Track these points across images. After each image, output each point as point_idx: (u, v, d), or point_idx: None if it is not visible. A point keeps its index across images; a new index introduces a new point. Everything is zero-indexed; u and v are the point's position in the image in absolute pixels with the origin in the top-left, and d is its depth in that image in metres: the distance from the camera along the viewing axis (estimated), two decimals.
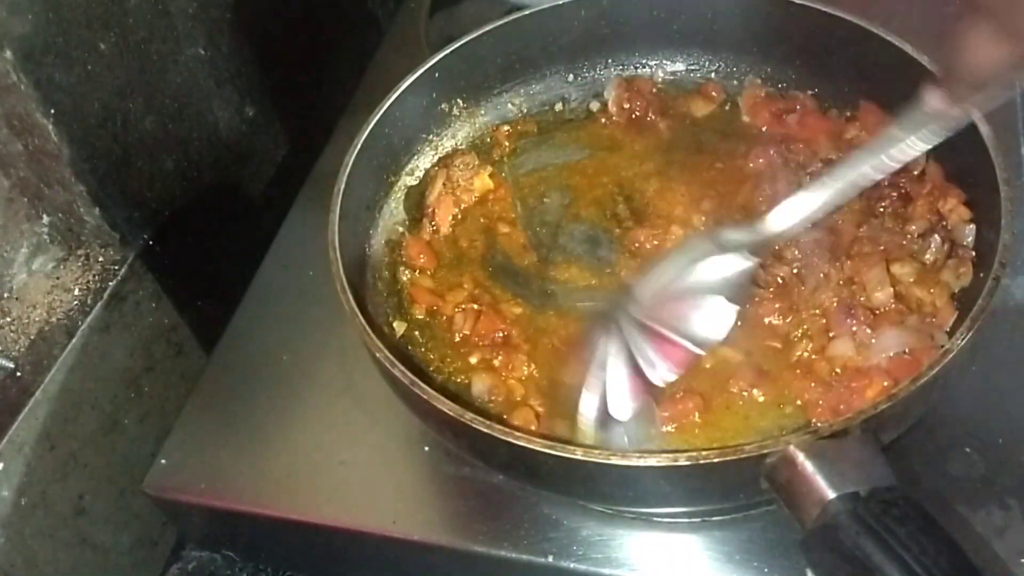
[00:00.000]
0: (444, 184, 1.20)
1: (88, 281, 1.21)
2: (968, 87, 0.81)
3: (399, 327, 1.10)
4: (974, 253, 1.02)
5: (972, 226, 1.03)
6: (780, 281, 1.05)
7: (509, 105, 1.31)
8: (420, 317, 1.11)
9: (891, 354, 0.96)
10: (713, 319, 0.96)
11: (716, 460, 0.79)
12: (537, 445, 0.83)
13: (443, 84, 1.23)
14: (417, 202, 1.22)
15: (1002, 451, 1.02)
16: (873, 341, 0.98)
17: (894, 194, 1.09)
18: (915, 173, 1.10)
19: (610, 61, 1.32)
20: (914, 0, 1.40)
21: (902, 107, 0.86)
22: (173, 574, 1.21)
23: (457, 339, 1.07)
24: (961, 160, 1.03)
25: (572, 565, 1.00)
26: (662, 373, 0.96)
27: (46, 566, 1.14)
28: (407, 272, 1.15)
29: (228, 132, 1.46)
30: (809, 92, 1.24)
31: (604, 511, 1.02)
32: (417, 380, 0.89)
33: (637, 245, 1.13)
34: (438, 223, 1.18)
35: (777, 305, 1.03)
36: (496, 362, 1.03)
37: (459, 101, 1.27)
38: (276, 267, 1.31)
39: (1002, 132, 0.99)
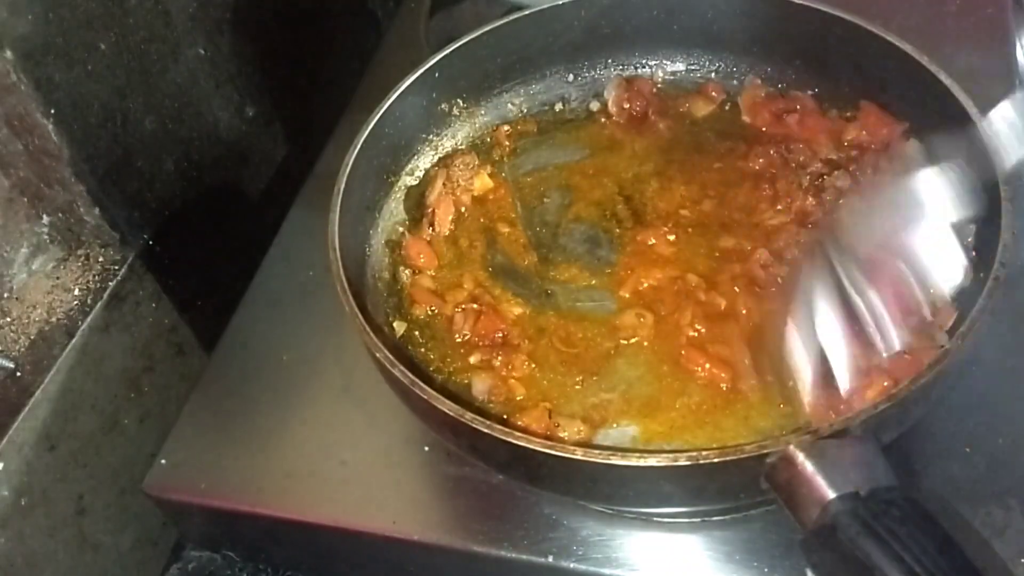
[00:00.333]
0: (444, 184, 1.20)
1: (88, 281, 1.21)
2: None
3: (399, 327, 1.09)
4: (974, 253, 1.01)
5: (972, 226, 1.03)
6: (780, 281, 1.04)
7: (509, 105, 1.31)
8: (420, 317, 1.11)
9: (891, 354, 0.95)
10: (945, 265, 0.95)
11: (716, 460, 0.79)
12: (536, 445, 0.83)
13: (443, 84, 1.22)
14: (417, 202, 1.21)
15: (1002, 451, 1.02)
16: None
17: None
18: None
19: (610, 61, 1.32)
20: (914, 0, 1.40)
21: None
22: (173, 574, 1.21)
23: (457, 339, 1.07)
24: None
25: (572, 565, 1.00)
26: (889, 339, 0.93)
27: (46, 566, 1.14)
28: (407, 272, 1.15)
29: (228, 132, 1.46)
30: (809, 92, 1.24)
31: (604, 511, 1.02)
32: (417, 380, 0.89)
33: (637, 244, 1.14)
34: (438, 223, 1.18)
35: (777, 304, 1.02)
36: (496, 362, 1.03)
37: (459, 101, 1.26)
38: (276, 267, 1.31)
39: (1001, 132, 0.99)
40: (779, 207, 1.12)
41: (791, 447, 0.78)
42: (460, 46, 1.21)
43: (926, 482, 1.00)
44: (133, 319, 1.26)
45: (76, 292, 1.19)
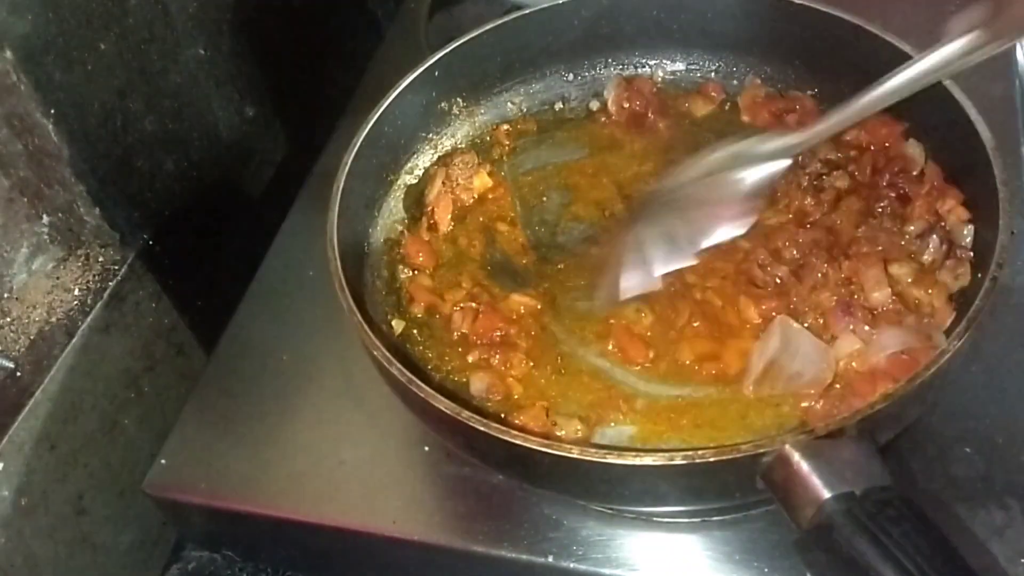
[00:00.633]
0: (443, 183, 1.20)
1: (88, 281, 1.21)
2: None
3: (398, 325, 1.09)
4: (972, 254, 1.01)
5: (970, 226, 1.03)
6: (779, 281, 1.04)
7: (509, 104, 1.31)
8: (419, 316, 1.11)
9: (889, 354, 0.95)
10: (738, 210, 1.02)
11: (712, 459, 0.79)
12: (533, 444, 0.83)
13: (443, 83, 1.23)
14: (416, 201, 1.22)
15: (1002, 451, 1.02)
16: (873, 337, 0.98)
17: (893, 194, 1.09)
18: (914, 173, 1.10)
19: (610, 60, 1.32)
20: (914, 0, 1.40)
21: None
22: (173, 574, 1.21)
23: (455, 337, 1.07)
24: (960, 160, 1.03)
25: (572, 565, 1.00)
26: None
27: (46, 566, 1.14)
28: (406, 271, 1.15)
29: (228, 132, 1.46)
30: (809, 92, 1.24)
31: (604, 511, 1.02)
32: (414, 378, 0.89)
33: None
34: (437, 222, 1.18)
35: (775, 304, 1.02)
36: (494, 361, 1.03)
37: (459, 100, 1.27)
38: (276, 267, 1.31)
39: (1001, 133, 0.99)
40: (778, 207, 1.12)
41: (787, 447, 0.78)
42: (460, 45, 1.22)
43: (926, 482, 1.00)
44: (133, 319, 1.26)
45: (76, 292, 1.19)
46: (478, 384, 1.01)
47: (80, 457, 1.18)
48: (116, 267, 1.23)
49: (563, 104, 1.32)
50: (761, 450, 0.79)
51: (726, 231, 1.02)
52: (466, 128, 1.28)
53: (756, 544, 0.99)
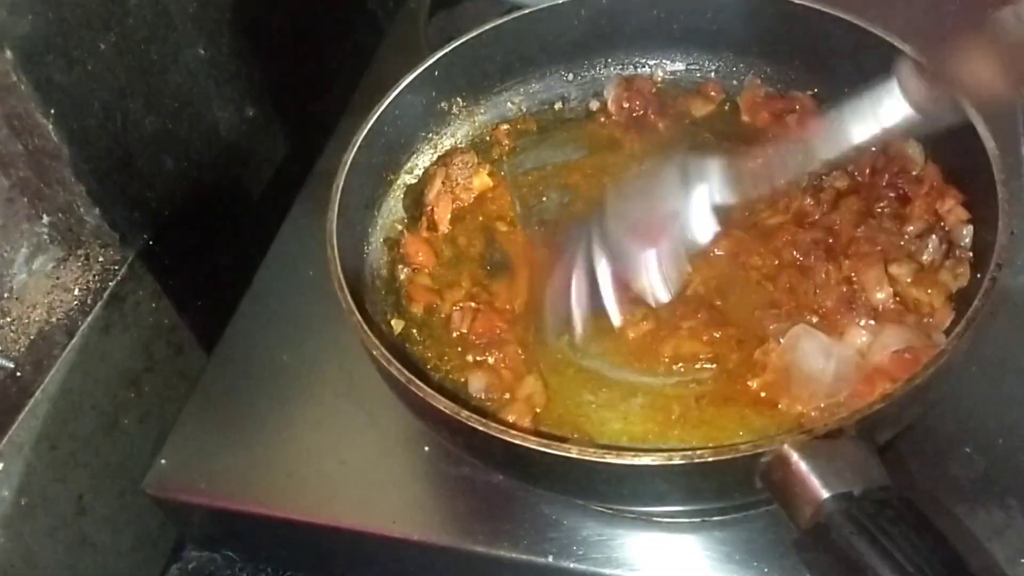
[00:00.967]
0: (443, 183, 1.20)
1: (88, 281, 1.21)
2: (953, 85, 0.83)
3: (397, 325, 1.09)
4: (971, 254, 1.01)
5: (970, 226, 1.03)
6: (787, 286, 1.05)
7: (508, 104, 1.31)
8: (418, 315, 1.11)
9: (889, 353, 0.95)
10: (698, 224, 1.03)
11: (711, 459, 0.79)
12: (531, 443, 0.83)
13: (442, 82, 1.23)
14: (416, 200, 1.22)
15: (1002, 451, 1.02)
16: (874, 335, 0.98)
17: (892, 194, 1.09)
18: (913, 173, 1.10)
19: (610, 60, 1.32)
20: (914, 0, 1.40)
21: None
22: (173, 574, 1.21)
23: (455, 337, 1.07)
24: (959, 161, 1.03)
25: (572, 565, 1.00)
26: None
27: (46, 566, 1.14)
28: (405, 270, 1.15)
29: (228, 132, 1.46)
30: (808, 92, 1.24)
31: (604, 511, 1.02)
32: (413, 377, 0.89)
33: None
34: (437, 221, 1.18)
35: (783, 298, 1.03)
36: (493, 360, 1.03)
37: (458, 100, 1.27)
38: (276, 267, 1.31)
39: (1000, 133, 0.99)
40: (778, 207, 1.12)
41: (785, 447, 0.78)
42: (460, 45, 1.22)
43: (927, 482, 1.00)
44: (133, 319, 1.26)
45: (76, 292, 1.19)
46: (476, 384, 1.01)
47: (80, 457, 1.18)
48: (116, 267, 1.23)
49: (563, 104, 1.32)
50: (760, 450, 0.79)
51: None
52: (466, 128, 1.28)
53: (756, 544, 0.99)
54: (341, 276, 0.97)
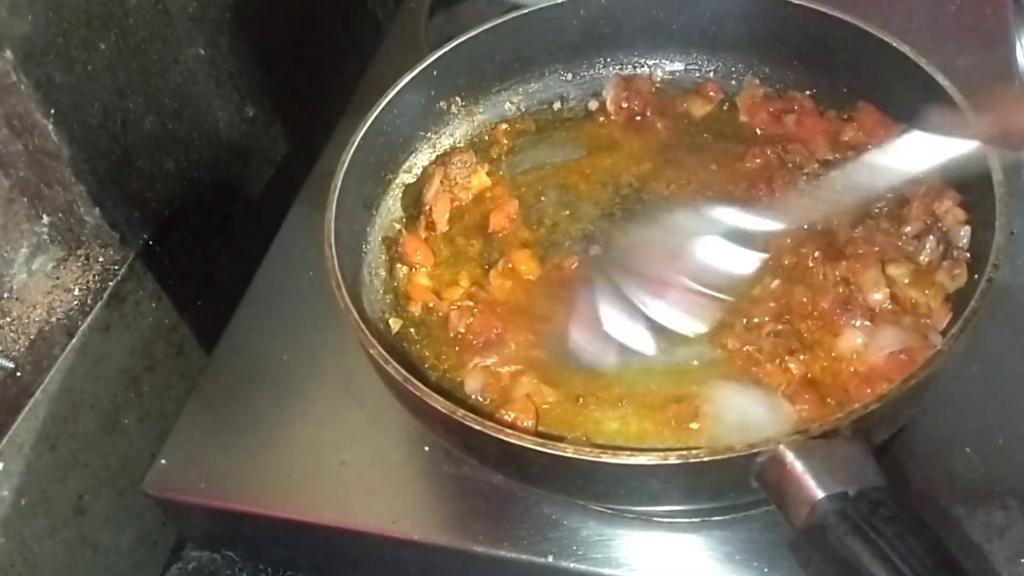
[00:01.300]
0: (442, 182, 1.20)
1: (88, 281, 1.21)
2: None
3: (395, 324, 1.10)
4: (969, 255, 1.01)
5: (967, 227, 1.02)
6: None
7: (507, 104, 1.31)
8: (416, 314, 1.11)
9: (886, 354, 0.95)
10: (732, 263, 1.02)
11: (706, 459, 0.79)
12: (528, 442, 0.83)
13: (441, 82, 1.23)
14: (415, 200, 1.22)
15: (1002, 451, 1.02)
16: (871, 336, 0.98)
17: (890, 195, 1.08)
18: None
19: (609, 60, 1.32)
20: (914, 0, 1.40)
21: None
22: (173, 574, 1.21)
23: (452, 336, 1.07)
24: (957, 161, 1.03)
25: (572, 565, 1.00)
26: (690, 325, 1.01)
27: (46, 566, 1.14)
28: (404, 269, 1.15)
29: (228, 132, 1.46)
30: (807, 92, 1.23)
31: (604, 511, 1.02)
32: (410, 377, 0.89)
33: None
34: (435, 221, 1.18)
35: (772, 305, 1.03)
36: (490, 360, 1.03)
37: (457, 99, 1.27)
38: (276, 267, 1.31)
39: None
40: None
41: (781, 447, 0.78)
42: (459, 44, 1.22)
43: (926, 482, 1.00)
44: (133, 319, 1.26)
45: (76, 292, 1.20)
46: (473, 383, 1.01)
47: (80, 457, 1.18)
48: (116, 267, 1.23)
49: (562, 104, 1.32)
50: (755, 450, 0.79)
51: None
52: (465, 127, 1.28)
53: (756, 544, 0.99)
54: (339, 275, 0.97)
